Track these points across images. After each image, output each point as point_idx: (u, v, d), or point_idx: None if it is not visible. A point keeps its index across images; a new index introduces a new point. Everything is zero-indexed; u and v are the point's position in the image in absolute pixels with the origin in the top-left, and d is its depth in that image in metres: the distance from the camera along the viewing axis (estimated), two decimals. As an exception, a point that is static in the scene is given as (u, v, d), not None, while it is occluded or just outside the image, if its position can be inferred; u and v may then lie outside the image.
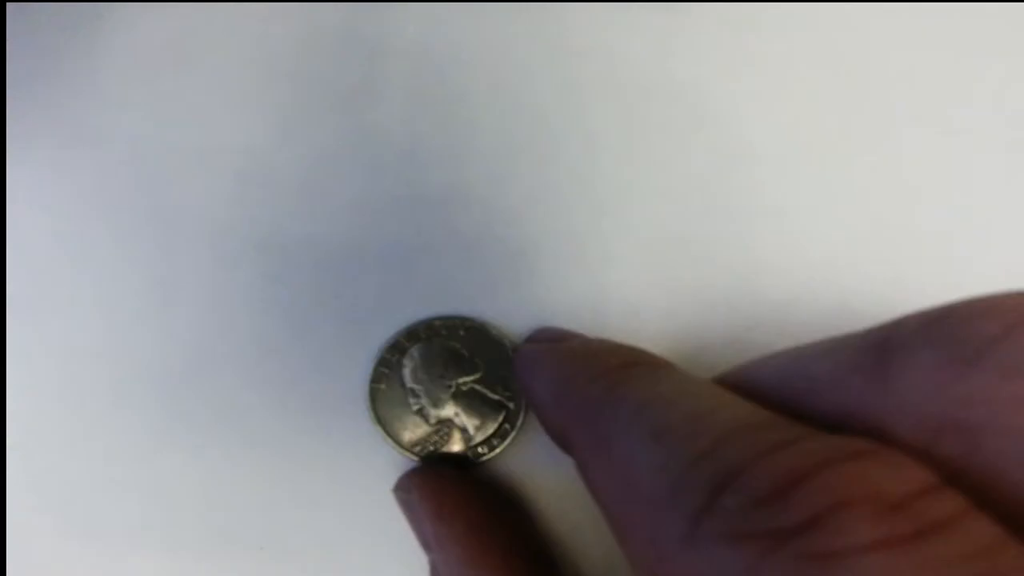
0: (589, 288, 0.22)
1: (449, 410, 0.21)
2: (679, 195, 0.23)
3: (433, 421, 0.21)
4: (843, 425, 0.13)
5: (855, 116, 0.23)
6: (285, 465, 0.22)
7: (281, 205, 0.22)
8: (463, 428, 0.21)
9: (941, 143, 0.23)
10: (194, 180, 0.23)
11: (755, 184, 0.23)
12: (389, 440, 0.21)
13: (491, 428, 0.21)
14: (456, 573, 0.18)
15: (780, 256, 0.22)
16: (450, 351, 0.21)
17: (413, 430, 0.21)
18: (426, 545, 0.19)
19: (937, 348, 0.12)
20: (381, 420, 0.21)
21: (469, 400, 0.21)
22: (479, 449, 0.21)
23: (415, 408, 0.21)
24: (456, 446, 0.21)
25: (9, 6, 0.22)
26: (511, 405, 0.21)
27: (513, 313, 0.22)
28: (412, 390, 0.21)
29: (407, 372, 0.21)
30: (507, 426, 0.21)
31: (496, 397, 0.21)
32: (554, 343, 0.19)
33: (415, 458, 0.21)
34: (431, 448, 0.21)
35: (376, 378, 0.21)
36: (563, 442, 0.16)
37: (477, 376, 0.21)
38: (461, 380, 0.21)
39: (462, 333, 0.21)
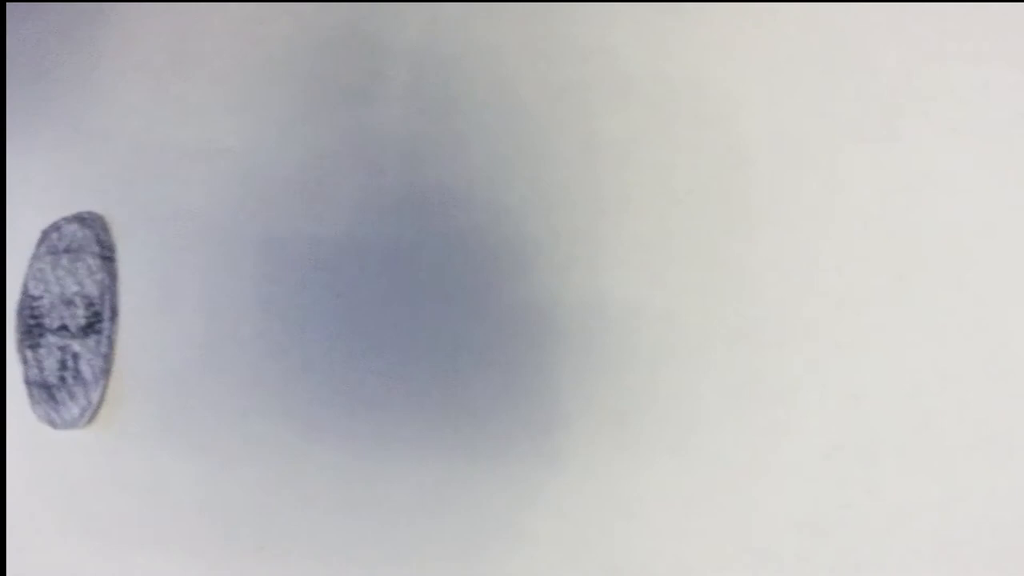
0: (589, 288, 0.22)
1: None
2: (679, 195, 0.23)
3: None
4: None
5: (856, 116, 0.23)
6: (285, 465, 0.22)
7: (282, 205, 0.22)
8: None
9: (943, 143, 0.23)
10: (194, 180, 0.22)
11: (755, 184, 0.23)
12: None
13: None
14: None
15: (780, 256, 0.22)
16: None
17: None
18: None
19: None
20: None
21: None
22: None
23: None
24: None
25: (9, 6, 0.22)
26: None
27: (514, 313, 0.22)
28: None
29: None
30: None
31: None
32: None
33: None
34: None
35: None
36: None
37: None
38: None
39: None
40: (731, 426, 0.22)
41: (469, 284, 0.22)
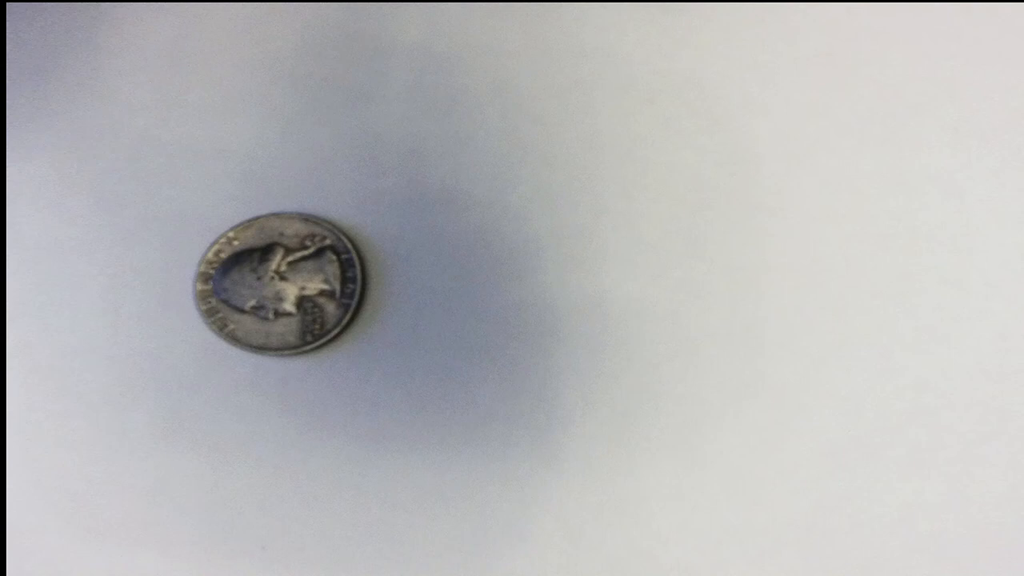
0: (589, 288, 0.22)
1: None
2: (680, 195, 0.23)
3: None
4: None
5: (858, 116, 0.23)
6: (287, 464, 0.22)
7: (282, 205, 0.22)
8: None
9: (946, 142, 0.23)
10: (195, 180, 0.23)
11: (756, 183, 0.23)
12: None
13: None
14: None
15: (781, 256, 0.22)
16: None
17: None
18: None
19: None
20: None
21: None
22: None
23: None
24: None
25: (9, 6, 0.22)
26: None
27: (514, 313, 0.22)
28: None
29: None
30: None
31: None
32: None
33: None
34: None
35: None
36: None
37: None
38: None
39: None
40: (731, 426, 0.22)
41: (469, 284, 0.22)
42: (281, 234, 0.21)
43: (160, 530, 0.22)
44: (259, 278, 0.21)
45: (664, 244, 0.22)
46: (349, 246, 0.21)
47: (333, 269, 0.21)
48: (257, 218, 0.22)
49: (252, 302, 0.21)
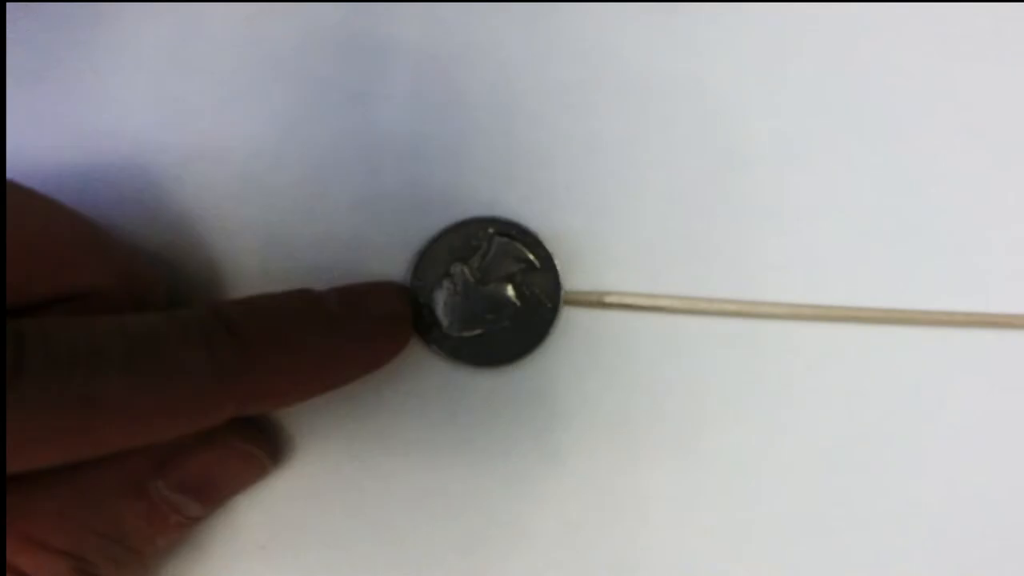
0: (590, 287, 0.22)
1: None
2: (680, 195, 0.23)
3: None
4: None
5: (858, 115, 0.23)
6: (286, 463, 0.22)
7: (282, 205, 0.22)
8: None
9: (945, 142, 0.23)
10: (195, 180, 0.22)
11: (756, 183, 0.23)
12: None
13: None
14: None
15: (781, 256, 0.22)
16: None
17: None
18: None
19: None
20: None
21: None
22: None
23: None
24: None
25: (9, 6, 0.22)
26: None
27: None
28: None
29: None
30: None
31: None
32: None
33: None
34: None
35: None
36: None
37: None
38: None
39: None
40: (731, 426, 0.22)
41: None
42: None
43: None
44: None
45: (664, 244, 0.22)
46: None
47: None
48: None
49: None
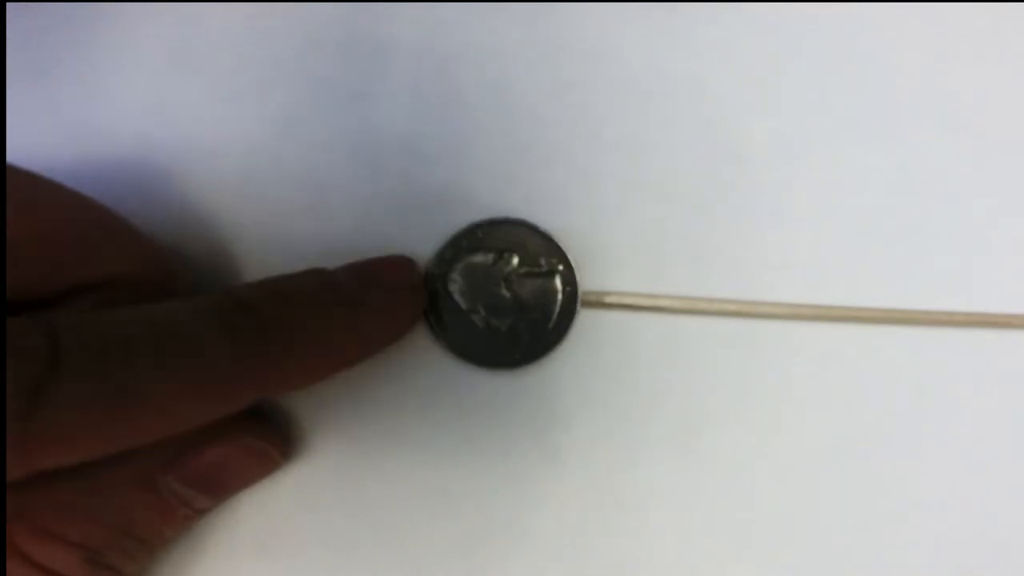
0: (589, 288, 0.22)
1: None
2: (680, 195, 0.23)
3: None
4: None
5: (857, 115, 0.23)
6: (285, 465, 0.22)
7: (282, 205, 0.22)
8: None
9: (944, 141, 0.23)
10: (195, 180, 0.22)
11: (756, 183, 0.23)
12: None
13: None
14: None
15: (781, 256, 0.22)
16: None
17: None
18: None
19: None
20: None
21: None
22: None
23: None
24: None
25: (9, 6, 0.22)
26: None
27: (513, 313, 0.22)
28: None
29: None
30: None
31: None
32: None
33: None
34: None
35: None
36: None
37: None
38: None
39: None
40: (731, 426, 0.22)
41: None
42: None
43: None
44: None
45: (664, 244, 0.22)
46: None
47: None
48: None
49: None
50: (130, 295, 0.17)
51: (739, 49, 0.23)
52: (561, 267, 0.21)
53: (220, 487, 0.19)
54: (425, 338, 0.22)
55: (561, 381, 0.22)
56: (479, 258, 0.21)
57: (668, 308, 0.22)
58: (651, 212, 0.22)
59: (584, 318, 0.22)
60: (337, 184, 0.22)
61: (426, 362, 0.22)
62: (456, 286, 0.21)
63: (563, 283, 0.21)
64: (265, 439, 0.20)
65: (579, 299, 0.21)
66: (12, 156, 0.22)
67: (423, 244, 0.22)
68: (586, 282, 0.22)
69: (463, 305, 0.21)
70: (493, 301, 0.21)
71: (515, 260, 0.21)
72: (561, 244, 0.21)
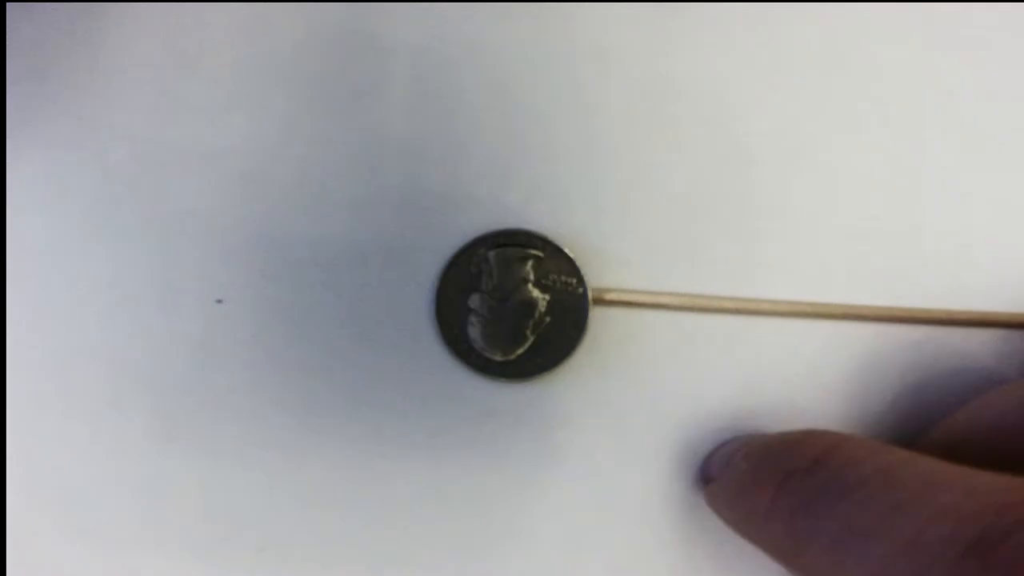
0: (590, 287, 0.22)
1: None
2: (680, 195, 0.23)
3: None
4: None
5: (858, 115, 0.23)
6: (285, 465, 0.22)
7: (282, 205, 0.22)
8: None
9: (943, 141, 0.23)
10: (195, 180, 0.22)
11: (757, 183, 0.23)
12: None
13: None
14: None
15: (782, 254, 0.23)
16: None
17: None
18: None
19: None
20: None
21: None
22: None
23: None
24: None
25: (9, 6, 0.22)
26: None
27: (513, 313, 0.22)
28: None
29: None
30: None
31: None
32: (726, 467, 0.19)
33: None
34: None
35: None
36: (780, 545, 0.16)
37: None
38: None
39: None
40: (731, 425, 0.22)
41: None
42: None
43: (159, 532, 0.22)
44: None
45: (665, 242, 0.22)
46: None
47: None
48: None
49: None
50: None
51: (739, 49, 0.23)
52: (574, 280, 0.21)
53: None
54: (428, 339, 0.22)
55: (561, 379, 0.22)
56: (475, 301, 0.21)
57: (669, 305, 0.22)
58: (652, 210, 0.22)
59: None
60: (337, 184, 0.22)
61: (419, 364, 0.22)
62: (477, 335, 0.21)
63: (576, 299, 0.21)
64: None
65: (586, 280, 0.21)
66: (12, 156, 0.22)
67: (423, 244, 0.22)
68: (586, 279, 0.22)
69: (494, 356, 0.21)
70: (511, 324, 0.21)
71: (530, 272, 0.21)
72: (568, 251, 0.21)
